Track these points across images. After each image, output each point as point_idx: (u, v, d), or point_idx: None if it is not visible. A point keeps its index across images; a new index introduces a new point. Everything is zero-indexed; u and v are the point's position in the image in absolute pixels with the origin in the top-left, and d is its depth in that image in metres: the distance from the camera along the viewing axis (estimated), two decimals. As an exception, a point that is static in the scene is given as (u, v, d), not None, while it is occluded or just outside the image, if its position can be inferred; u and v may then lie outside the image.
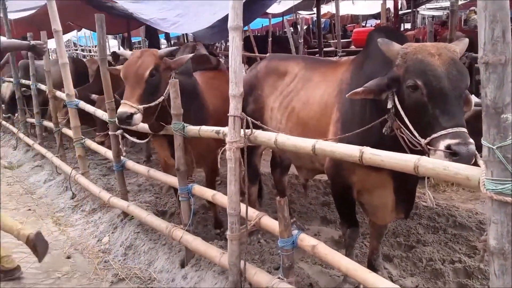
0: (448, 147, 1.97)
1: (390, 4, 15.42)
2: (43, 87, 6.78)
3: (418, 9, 19.58)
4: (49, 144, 7.76)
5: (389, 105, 2.36)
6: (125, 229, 4.22)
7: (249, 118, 2.60)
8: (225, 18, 4.98)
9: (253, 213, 2.81)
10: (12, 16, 8.14)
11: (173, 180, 3.64)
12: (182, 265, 3.48)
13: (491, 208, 1.48)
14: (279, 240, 2.51)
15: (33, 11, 8.92)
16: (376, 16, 19.37)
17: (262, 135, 2.60)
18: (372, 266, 3.17)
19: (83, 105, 5.11)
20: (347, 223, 3.04)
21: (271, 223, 2.70)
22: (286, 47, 12.16)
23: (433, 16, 24.11)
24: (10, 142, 8.46)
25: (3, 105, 8.21)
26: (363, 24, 22.77)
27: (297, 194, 5.07)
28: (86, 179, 5.20)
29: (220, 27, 5.01)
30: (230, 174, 2.67)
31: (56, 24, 4.91)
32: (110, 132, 4.25)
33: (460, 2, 21.20)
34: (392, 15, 16.37)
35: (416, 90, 2.19)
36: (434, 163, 1.75)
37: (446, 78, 2.13)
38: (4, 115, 7.96)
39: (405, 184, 2.68)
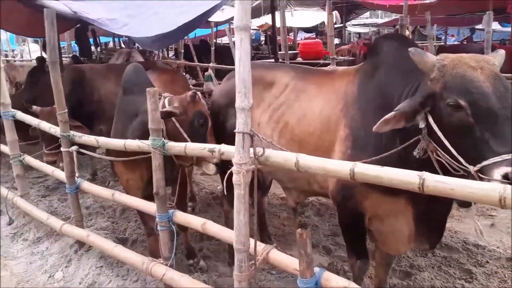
0: (506, 176, 1.71)
1: (324, 18, 15.71)
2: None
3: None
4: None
5: (422, 125, 2.09)
6: (83, 262, 3.62)
7: (260, 135, 2.22)
8: (188, 23, 4.63)
9: (258, 245, 2.42)
10: None
11: (147, 206, 3.15)
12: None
13: None
14: (299, 281, 2.13)
15: None
16: (307, 30, 19.68)
17: (276, 155, 2.22)
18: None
19: (22, 116, 4.41)
20: (356, 255, 2.73)
21: (282, 258, 2.33)
22: (226, 56, 11.91)
23: (359, 33, 25.12)
24: None
25: None
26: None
27: (269, 215, 4.73)
28: (27, 202, 4.49)
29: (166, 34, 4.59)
30: (238, 202, 2.27)
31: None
32: (62, 149, 3.65)
33: (383, 21, 22.37)
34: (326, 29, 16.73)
35: (459, 110, 1.92)
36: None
37: (493, 96, 1.88)
38: None
39: (431, 211, 2.42)
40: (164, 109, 2.97)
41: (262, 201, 3.98)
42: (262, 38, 22.57)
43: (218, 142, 3.29)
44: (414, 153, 2.13)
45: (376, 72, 2.57)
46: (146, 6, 4.91)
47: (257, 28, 21.93)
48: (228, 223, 3.66)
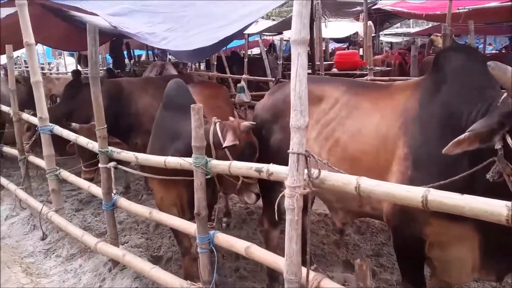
0: None
1: (357, 28, 15.46)
2: (4, 108, 5.93)
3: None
4: (7, 172, 6.85)
5: (498, 146, 1.86)
6: (117, 282, 3.50)
7: (315, 156, 2.04)
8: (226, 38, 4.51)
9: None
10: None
11: (185, 226, 3.00)
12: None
13: None
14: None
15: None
16: (337, 40, 19.47)
17: (334, 178, 2.03)
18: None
19: (59, 130, 4.36)
20: (413, 284, 2.50)
21: (335, 289, 2.13)
22: (258, 67, 11.79)
23: (391, 43, 24.69)
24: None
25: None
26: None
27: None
28: (61, 217, 4.42)
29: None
30: (290, 228, 2.08)
31: (28, 35, 4.20)
32: (100, 165, 3.55)
33: (414, 30, 21.93)
34: (361, 39, 16.45)
35: None
36: None
37: None
38: None
39: (503, 239, 2.18)
40: (231, 143, 2.90)
41: (304, 220, 3.76)
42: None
43: (260, 155, 3.15)
44: (488, 176, 1.90)
45: (441, 87, 2.36)
46: (186, 19, 4.83)
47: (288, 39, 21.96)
48: (269, 244, 3.48)
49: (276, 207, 3.31)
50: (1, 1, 5.57)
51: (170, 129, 3.31)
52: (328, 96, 2.93)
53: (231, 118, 3.37)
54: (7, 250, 4.53)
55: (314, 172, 2.04)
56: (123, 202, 3.59)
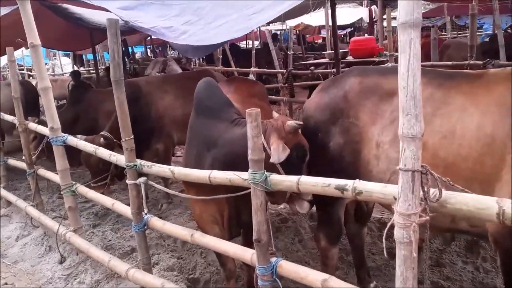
0: None
1: (362, 14, 14.97)
2: (7, 117, 5.44)
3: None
4: (13, 185, 6.37)
5: None
6: (156, 314, 3.05)
7: (434, 174, 1.58)
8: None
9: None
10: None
11: (238, 252, 2.55)
12: None
13: None
14: None
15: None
16: (340, 27, 18.97)
17: (461, 200, 1.57)
18: None
19: (74, 141, 3.89)
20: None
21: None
22: (259, 59, 11.29)
23: (392, 27, 24.14)
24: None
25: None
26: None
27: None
28: (81, 238, 3.97)
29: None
30: (404, 267, 1.62)
31: (33, 36, 3.71)
32: (128, 181, 3.09)
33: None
34: (365, 25, 15.95)
35: None
36: None
37: None
38: None
39: None
40: (282, 156, 2.43)
41: (362, 233, 3.33)
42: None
43: (313, 164, 2.71)
44: None
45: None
46: (205, 11, 4.34)
47: (287, 28, 21.46)
48: (327, 263, 3.03)
49: (335, 221, 2.94)
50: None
51: (205, 135, 2.87)
52: None
53: (275, 115, 2.92)
54: (23, 277, 4.08)
55: (434, 193, 1.59)
56: (156, 222, 3.13)
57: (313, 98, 2.92)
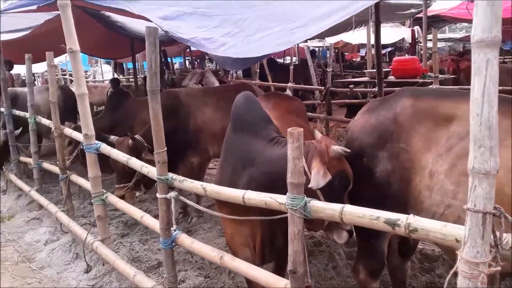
0: None
1: (404, 34, 14.62)
2: (44, 121, 5.48)
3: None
4: (46, 189, 6.40)
5: None
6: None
7: (509, 216, 1.36)
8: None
9: None
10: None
11: (271, 280, 2.36)
12: None
13: None
14: None
15: (26, 32, 7.72)
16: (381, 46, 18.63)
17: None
18: None
19: (107, 149, 3.82)
20: None
21: None
22: (297, 76, 11.12)
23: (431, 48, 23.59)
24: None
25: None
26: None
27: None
28: (108, 249, 3.87)
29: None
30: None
31: (72, 42, 3.68)
32: (159, 195, 2.97)
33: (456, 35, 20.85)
34: (407, 45, 15.58)
35: None
36: None
37: None
38: None
39: None
40: (322, 182, 2.24)
41: (405, 267, 3.09)
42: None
43: (355, 190, 2.51)
44: None
45: None
46: (246, 22, 4.22)
47: (325, 45, 21.28)
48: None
49: (378, 254, 2.72)
50: (40, 4, 5.13)
51: (241, 152, 2.71)
52: (461, 114, 2.23)
53: (317, 135, 2.73)
54: (48, 284, 4.01)
55: (505, 238, 1.37)
56: (185, 239, 2.99)
57: (358, 119, 2.72)
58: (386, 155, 2.46)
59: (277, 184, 2.31)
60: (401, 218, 1.71)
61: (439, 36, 22.73)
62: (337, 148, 2.41)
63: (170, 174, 2.93)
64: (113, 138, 4.55)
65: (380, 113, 2.56)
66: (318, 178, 2.25)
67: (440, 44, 22.84)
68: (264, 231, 2.72)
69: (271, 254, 2.79)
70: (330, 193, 2.30)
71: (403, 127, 2.42)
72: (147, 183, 4.61)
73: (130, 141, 4.30)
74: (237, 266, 2.59)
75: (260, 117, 2.71)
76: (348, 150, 2.43)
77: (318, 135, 2.70)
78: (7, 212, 5.87)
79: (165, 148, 2.90)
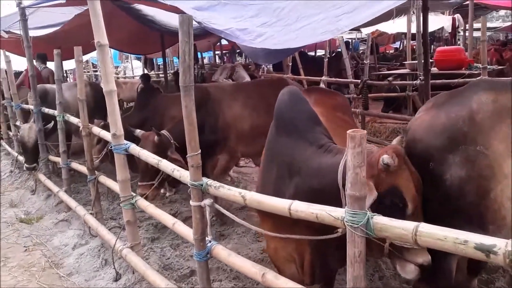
0: None
1: (444, 23, 13.96)
2: (72, 119, 5.29)
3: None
4: (75, 188, 6.24)
5: None
6: None
7: None
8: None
9: None
10: (32, 33, 6.71)
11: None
12: None
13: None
14: None
15: (55, 28, 7.62)
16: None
17: None
18: None
19: (137, 150, 3.56)
20: None
21: None
22: (330, 68, 10.66)
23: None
24: (27, 183, 6.91)
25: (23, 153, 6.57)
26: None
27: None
28: (138, 257, 3.62)
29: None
30: None
31: (100, 35, 3.42)
32: (192, 203, 2.67)
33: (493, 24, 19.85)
34: (446, 34, 14.87)
35: None
36: None
37: None
38: (26, 165, 6.31)
39: None
40: (371, 196, 1.85)
41: (472, 284, 2.70)
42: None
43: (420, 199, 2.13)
44: None
45: None
46: (285, 11, 3.89)
47: (359, 37, 20.65)
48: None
49: (445, 273, 2.35)
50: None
51: (287, 158, 2.38)
52: None
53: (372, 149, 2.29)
54: (76, 292, 3.81)
55: None
56: (221, 251, 2.69)
57: (422, 116, 2.35)
58: (458, 160, 2.09)
59: (327, 199, 1.99)
60: (499, 244, 1.35)
61: (475, 25, 21.77)
62: (387, 158, 1.95)
63: (205, 180, 2.63)
64: (138, 132, 4.35)
65: (451, 110, 2.18)
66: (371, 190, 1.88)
67: (476, 34, 21.91)
68: (315, 249, 2.39)
69: (323, 274, 2.45)
70: (378, 212, 1.80)
71: (481, 127, 2.04)
72: (172, 181, 4.37)
73: (156, 137, 4.04)
74: (282, 285, 2.26)
75: (307, 117, 2.37)
76: (394, 164, 1.96)
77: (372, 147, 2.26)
78: (35, 213, 5.73)
79: (199, 151, 2.59)
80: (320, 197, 2.07)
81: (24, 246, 4.75)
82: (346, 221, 1.75)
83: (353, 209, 1.73)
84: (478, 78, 6.25)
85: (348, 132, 1.69)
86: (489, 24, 21.45)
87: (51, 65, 10.22)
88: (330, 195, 2.01)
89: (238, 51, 16.23)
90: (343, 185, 2.03)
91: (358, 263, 1.76)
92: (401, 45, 19.47)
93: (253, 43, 3.86)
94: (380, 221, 1.71)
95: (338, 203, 1.99)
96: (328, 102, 3.11)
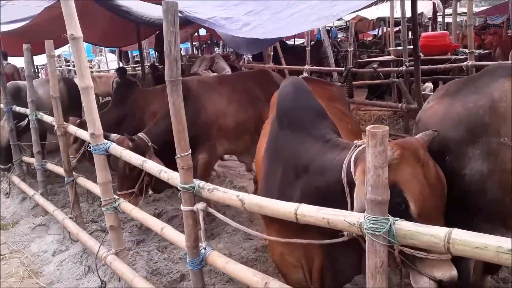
0: None
1: (423, 8, 13.87)
2: (46, 118, 4.95)
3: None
4: (52, 190, 5.91)
5: None
6: None
7: None
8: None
9: None
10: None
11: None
12: None
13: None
14: None
15: (24, 22, 7.19)
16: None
17: None
18: None
19: (118, 150, 3.29)
20: None
21: None
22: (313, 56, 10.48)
23: (447, 23, 22.69)
24: (0, 186, 6.53)
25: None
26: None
27: None
28: (124, 263, 3.37)
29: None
30: None
31: (73, 28, 3.13)
32: (183, 207, 2.44)
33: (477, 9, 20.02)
34: (425, 20, 14.81)
35: None
36: None
37: None
38: (1, 166, 5.95)
39: None
40: None
41: (484, 284, 2.55)
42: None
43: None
44: None
45: None
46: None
47: (336, 24, 20.50)
48: None
49: (463, 274, 2.18)
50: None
51: (292, 155, 2.18)
52: None
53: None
54: (58, 304, 3.54)
55: None
56: (217, 258, 2.48)
57: (434, 106, 2.16)
58: (478, 153, 1.91)
59: (336, 200, 1.81)
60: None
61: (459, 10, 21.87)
62: (390, 152, 1.70)
63: (197, 182, 2.39)
64: (113, 136, 3.89)
65: (468, 99, 1.99)
66: (362, 196, 1.68)
67: (458, 18, 21.99)
68: (326, 256, 2.19)
69: (335, 282, 2.25)
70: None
71: (504, 118, 1.86)
72: (155, 187, 4.10)
73: (130, 142, 3.73)
74: (287, 296, 2.06)
75: (313, 110, 2.17)
76: (395, 156, 1.72)
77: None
78: (10, 218, 5.39)
79: (190, 151, 2.36)
80: (330, 198, 1.88)
81: (1, 254, 4.44)
82: (366, 228, 1.56)
83: (374, 214, 1.53)
84: (464, 63, 6.17)
85: (367, 128, 1.48)
86: (463, 10, 21.62)
87: (13, 60, 9.80)
88: (342, 194, 1.82)
89: (216, 41, 15.90)
90: (348, 183, 1.85)
91: (380, 274, 1.58)
92: (381, 32, 19.39)
93: (240, 33, 3.62)
94: (404, 226, 1.52)
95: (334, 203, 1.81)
96: (325, 94, 2.89)
